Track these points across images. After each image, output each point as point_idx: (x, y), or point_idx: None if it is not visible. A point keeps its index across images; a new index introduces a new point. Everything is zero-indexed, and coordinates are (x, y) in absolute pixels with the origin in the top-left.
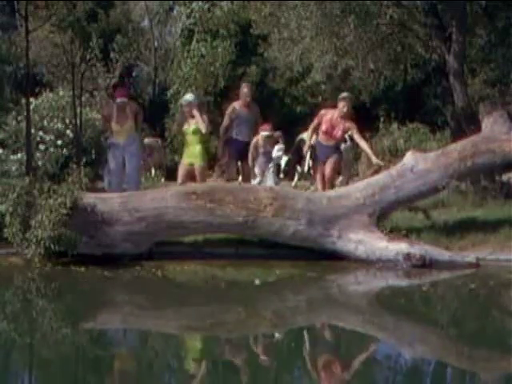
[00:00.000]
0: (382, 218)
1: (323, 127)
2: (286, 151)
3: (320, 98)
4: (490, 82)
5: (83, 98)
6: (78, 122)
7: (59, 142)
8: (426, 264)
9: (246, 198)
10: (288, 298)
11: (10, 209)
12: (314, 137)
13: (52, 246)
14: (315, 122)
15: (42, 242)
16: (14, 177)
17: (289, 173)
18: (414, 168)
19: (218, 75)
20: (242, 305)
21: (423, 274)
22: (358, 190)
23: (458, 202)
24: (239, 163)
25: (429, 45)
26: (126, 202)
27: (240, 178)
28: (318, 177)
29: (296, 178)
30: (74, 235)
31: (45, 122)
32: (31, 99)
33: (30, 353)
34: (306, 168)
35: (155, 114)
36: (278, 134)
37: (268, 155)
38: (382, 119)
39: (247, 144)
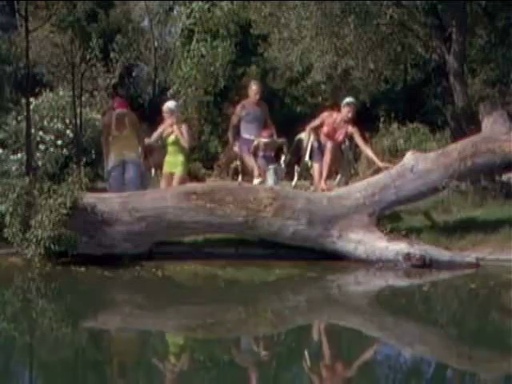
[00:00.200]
0: (391, 217)
1: (325, 129)
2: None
3: (320, 98)
4: (489, 81)
5: (83, 98)
6: (78, 121)
7: (59, 142)
8: (426, 264)
9: (245, 198)
10: (288, 298)
11: (10, 209)
12: (313, 136)
13: (52, 246)
14: (316, 122)
15: (42, 242)
16: (14, 177)
17: (288, 173)
18: (413, 168)
19: (217, 75)
20: (242, 305)
21: (423, 274)
22: (357, 190)
23: (458, 202)
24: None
25: (429, 45)
26: (126, 202)
27: (240, 177)
28: (317, 175)
29: (296, 178)
30: (74, 235)
31: (45, 122)
32: (31, 99)
33: (30, 353)
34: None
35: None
36: (282, 140)
37: (268, 158)
38: (382, 119)
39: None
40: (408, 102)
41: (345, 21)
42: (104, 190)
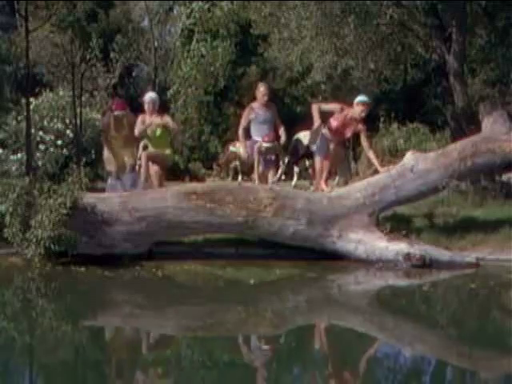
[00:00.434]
0: (391, 217)
1: (334, 124)
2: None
3: (320, 98)
4: (489, 81)
5: (83, 98)
6: (78, 121)
7: (59, 142)
8: (425, 264)
9: (245, 198)
10: (288, 298)
11: (10, 209)
12: (324, 129)
13: (52, 246)
14: (327, 107)
15: (42, 242)
16: (14, 177)
17: (288, 173)
18: (413, 168)
19: (217, 75)
20: (242, 305)
21: (423, 274)
22: (357, 190)
23: (458, 202)
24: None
25: (429, 45)
26: (126, 202)
27: (239, 177)
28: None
29: (295, 178)
30: (74, 235)
31: (45, 122)
32: (31, 99)
33: (30, 353)
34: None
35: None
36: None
37: (269, 162)
38: (382, 119)
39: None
40: (408, 102)
41: (345, 21)
42: (104, 190)
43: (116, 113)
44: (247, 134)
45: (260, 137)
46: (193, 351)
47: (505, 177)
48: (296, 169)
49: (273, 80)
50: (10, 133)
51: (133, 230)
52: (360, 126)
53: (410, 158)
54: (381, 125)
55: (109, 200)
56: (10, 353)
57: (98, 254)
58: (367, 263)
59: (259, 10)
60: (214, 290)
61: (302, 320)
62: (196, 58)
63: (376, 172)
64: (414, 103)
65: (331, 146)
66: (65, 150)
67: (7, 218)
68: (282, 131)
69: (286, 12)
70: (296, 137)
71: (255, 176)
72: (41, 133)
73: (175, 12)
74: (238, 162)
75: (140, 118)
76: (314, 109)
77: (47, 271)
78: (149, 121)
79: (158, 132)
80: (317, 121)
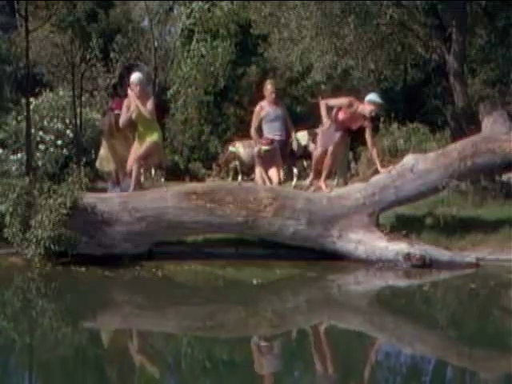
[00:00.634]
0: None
1: (341, 116)
2: None
3: (320, 98)
4: (489, 81)
5: (83, 98)
6: (78, 121)
7: (59, 142)
8: (425, 264)
9: (245, 198)
10: (288, 298)
11: (10, 209)
12: (333, 124)
13: (52, 246)
14: (335, 103)
15: (42, 242)
16: (14, 177)
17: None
18: (413, 168)
19: (217, 75)
20: (242, 305)
21: (423, 274)
22: (357, 190)
23: (458, 202)
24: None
25: (429, 45)
26: (126, 202)
27: (239, 177)
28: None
29: (295, 179)
30: (74, 235)
31: (45, 122)
32: (31, 99)
33: (30, 353)
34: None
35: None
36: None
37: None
38: (381, 119)
39: (281, 142)
40: (408, 102)
41: (345, 21)
42: (104, 190)
43: (116, 112)
44: (260, 133)
45: (273, 135)
46: (193, 351)
47: (505, 177)
48: (295, 170)
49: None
50: (10, 133)
51: (133, 229)
52: (366, 123)
53: (410, 158)
54: (381, 125)
55: (109, 200)
56: (10, 353)
57: (98, 254)
58: (367, 263)
59: (259, 9)
60: (214, 290)
61: (302, 320)
62: (196, 58)
63: (376, 172)
64: (414, 103)
65: (330, 148)
66: (65, 150)
67: (7, 218)
68: (290, 128)
69: (286, 12)
70: (293, 137)
71: (257, 179)
72: (41, 133)
73: (175, 12)
74: (237, 162)
75: (125, 103)
76: (322, 106)
77: (47, 271)
78: (132, 107)
79: (143, 118)
80: (326, 120)
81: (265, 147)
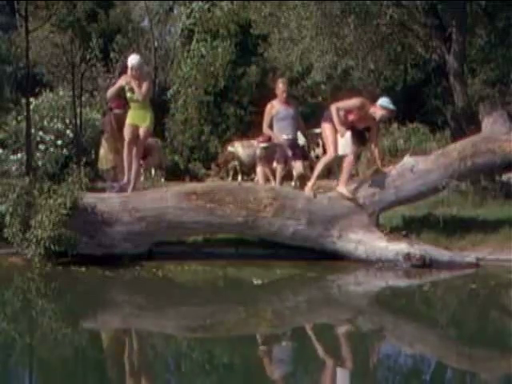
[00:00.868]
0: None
1: (351, 117)
2: None
3: (320, 98)
4: (489, 81)
5: (83, 98)
6: (78, 121)
7: (59, 142)
8: (425, 264)
9: (245, 198)
10: (288, 298)
11: (10, 209)
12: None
13: (52, 246)
14: (346, 106)
15: (42, 242)
16: (14, 177)
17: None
18: (413, 168)
19: (217, 75)
20: (242, 305)
21: (423, 274)
22: (358, 190)
23: (458, 202)
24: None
25: (429, 45)
26: (126, 202)
27: (239, 177)
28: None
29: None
30: (74, 235)
31: (45, 122)
32: (31, 99)
33: (30, 353)
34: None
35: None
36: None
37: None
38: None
39: (293, 141)
40: (408, 102)
41: (345, 21)
42: (104, 190)
43: (115, 111)
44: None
45: (282, 133)
46: (193, 351)
47: (505, 177)
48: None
49: (273, 80)
50: (10, 133)
51: (133, 230)
52: (375, 123)
53: (409, 158)
54: (381, 125)
55: (109, 200)
56: (10, 353)
57: (98, 254)
58: (367, 263)
59: (259, 9)
60: (214, 290)
61: (302, 320)
62: (196, 58)
63: (376, 172)
64: (414, 103)
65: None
66: (65, 150)
67: (7, 218)
68: (302, 128)
69: (286, 12)
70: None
71: (259, 178)
72: (41, 133)
73: (175, 12)
74: (236, 162)
75: (121, 79)
76: (334, 112)
77: (47, 271)
78: (119, 84)
79: (137, 95)
80: (340, 127)
81: (263, 144)
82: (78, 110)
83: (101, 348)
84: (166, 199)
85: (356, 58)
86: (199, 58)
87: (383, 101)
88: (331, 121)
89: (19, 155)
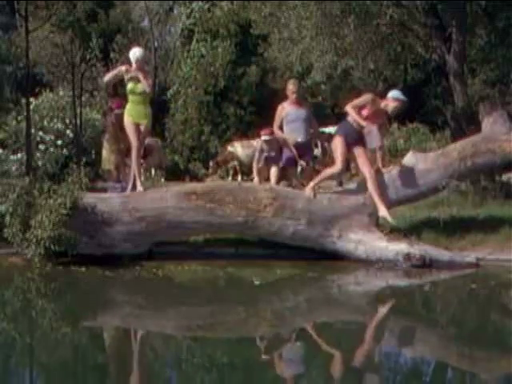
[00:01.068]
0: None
1: (365, 113)
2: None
3: (320, 98)
4: (489, 82)
5: (83, 98)
6: (78, 121)
7: (59, 142)
8: (426, 264)
9: (245, 198)
10: (288, 298)
11: (10, 209)
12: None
13: (52, 246)
14: (359, 103)
15: (42, 242)
16: (14, 177)
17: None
18: (414, 168)
19: (217, 75)
20: (242, 305)
21: (423, 274)
22: (357, 189)
23: (458, 202)
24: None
25: (429, 45)
26: (126, 202)
27: (239, 177)
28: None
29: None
30: (74, 235)
31: (45, 122)
32: (31, 99)
33: (30, 353)
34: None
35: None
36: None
37: (272, 159)
38: None
39: (303, 144)
40: (408, 102)
41: (345, 21)
42: (104, 190)
43: (116, 111)
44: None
45: (293, 136)
46: (193, 351)
47: (505, 177)
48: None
49: (273, 80)
50: (10, 133)
51: (133, 229)
52: (383, 120)
53: (410, 157)
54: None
55: (109, 200)
56: (10, 353)
57: (98, 254)
58: (367, 263)
59: (259, 9)
60: (214, 290)
61: (302, 320)
62: (196, 58)
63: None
64: (414, 103)
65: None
66: (65, 150)
67: (7, 218)
68: (315, 130)
69: (286, 12)
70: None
71: (254, 174)
72: (41, 133)
73: (175, 12)
74: (236, 162)
75: (121, 67)
76: (351, 111)
77: (47, 271)
78: (117, 71)
79: (139, 88)
80: (362, 123)
81: (264, 137)
82: (78, 110)
83: (101, 348)
84: (166, 199)
85: (356, 58)
86: (199, 58)
87: (394, 93)
88: (344, 134)
89: (19, 155)
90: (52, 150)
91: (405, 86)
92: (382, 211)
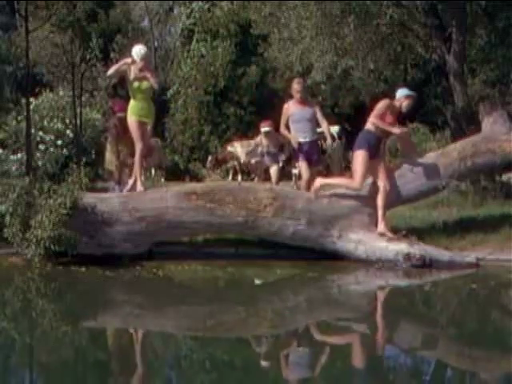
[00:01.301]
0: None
1: (389, 119)
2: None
3: (320, 98)
4: (489, 82)
5: (83, 98)
6: (78, 121)
7: (59, 142)
8: (426, 264)
9: (245, 198)
10: (288, 297)
11: (10, 209)
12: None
13: (52, 246)
14: (380, 112)
15: (42, 242)
16: (14, 177)
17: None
18: (414, 168)
19: (217, 75)
20: (242, 305)
21: (423, 274)
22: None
23: (458, 202)
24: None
25: (429, 45)
26: (126, 202)
27: (239, 177)
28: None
29: (294, 179)
30: (74, 235)
31: (45, 122)
32: (31, 99)
33: (30, 353)
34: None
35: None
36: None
37: (272, 156)
38: None
39: (310, 143)
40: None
41: (345, 21)
42: (104, 190)
43: (118, 114)
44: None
45: (298, 136)
46: (193, 351)
47: (505, 177)
48: (294, 170)
49: (273, 80)
50: (10, 133)
51: (133, 229)
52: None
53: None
54: None
55: (109, 200)
56: (10, 353)
57: (98, 254)
58: (367, 263)
59: (259, 9)
60: (214, 290)
61: (302, 320)
62: (196, 58)
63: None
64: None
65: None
66: (65, 150)
67: (7, 218)
68: (324, 128)
69: (286, 12)
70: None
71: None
72: (41, 133)
73: (175, 12)
74: (236, 162)
75: (126, 61)
76: (380, 123)
77: (47, 271)
78: (119, 65)
79: (145, 85)
80: (396, 130)
81: (264, 128)
82: (78, 110)
83: (101, 348)
84: (165, 199)
85: (356, 58)
86: (199, 58)
87: (403, 91)
88: (367, 146)
89: (19, 155)
90: (52, 150)
91: (405, 86)
92: (381, 228)
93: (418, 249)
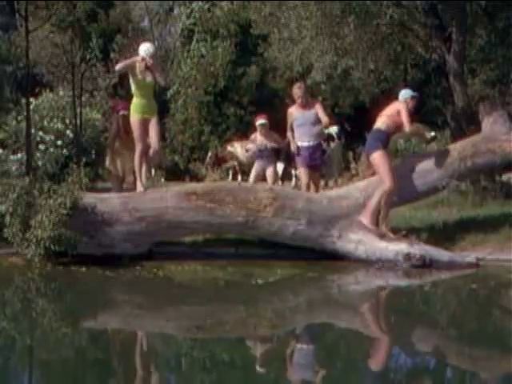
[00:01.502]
0: (391, 217)
1: (400, 119)
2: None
3: (320, 98)
4: (489, 82)
5: (83, 98)
6: (78, 121)
7: (59, 142)
8: (426, 264)
9: (245, 198)
10: (288, 298)
11: (10, 209)
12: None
13: (52, 246)
14: (402, 107)
15: (42, 242)
16: (14, 177)
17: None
18: (414, 168)
19: (217, 75)
20: (242, 305)
21: (423, 274)
22: (357, 189)
23: (458, 202)
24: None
25: (429, 45)
26: (126, 202)
27: (239, 177)
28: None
29: (294, 179)
30: (74, 235)
31: (45, 122)
32: (31, 99)
33: (30, 353)
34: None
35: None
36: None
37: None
38: None
39: (312, 148)
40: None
41: (345, 21)
42: (104, 190)
43: (121, 113)
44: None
45: (301, 141)
46: (193, 351)
47: (505, 177)
48: (293, 172)
49: (273, 80)
50: (10, 133)
51: (133, 230)
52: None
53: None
54: None
55: (109, 200)
56: (10, 353)
57: (98, 254)
58: (367, 263)
59: (259, 9)
60: (214, 290)
61: (302, 320)
62: (196, 57)
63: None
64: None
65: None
66: (65, 150)
67: (7, 218)
68: (325, 122)
69: (286, 12)
70: (287, 140)
71: (253, 172)
72: (41, 133)
73: (175, 12)
74: (235, 162)
75: (135, 59)
76: (414, 128)
77: (47, 271)
78: (130, 61)
79: (149, 80)
80: (427, 133)
81: (260, 121)
82: (78, 110)
83: (101, 348)
84: (165, 199)
85: (356, 58)
86: (199, 58)
87: (406, 92)
88: (381, 145)
89: (19, 155)
90: (52, 150)
91: (405, 86)
92: (365, 219)
93: (418, 249)
